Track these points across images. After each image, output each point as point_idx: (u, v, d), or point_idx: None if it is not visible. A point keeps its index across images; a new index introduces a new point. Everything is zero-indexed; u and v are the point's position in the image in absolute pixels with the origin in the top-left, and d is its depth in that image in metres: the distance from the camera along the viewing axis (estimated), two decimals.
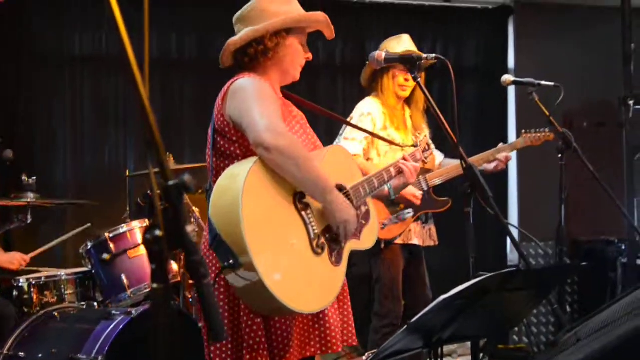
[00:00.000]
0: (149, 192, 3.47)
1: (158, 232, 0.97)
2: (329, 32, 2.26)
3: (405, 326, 1.56)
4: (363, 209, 2.21)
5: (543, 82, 3.33)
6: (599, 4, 4.77)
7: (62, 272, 3.38)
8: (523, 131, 3.55)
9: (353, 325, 2.18)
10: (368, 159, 3.31)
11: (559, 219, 3.29)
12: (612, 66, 4.18)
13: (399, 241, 3.33)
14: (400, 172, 2.37)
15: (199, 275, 0.99)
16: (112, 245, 3.29)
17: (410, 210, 3.24)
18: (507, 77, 3.39)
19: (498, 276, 1.60)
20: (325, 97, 4.72)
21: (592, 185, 3.02)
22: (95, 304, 3.28)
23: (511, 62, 5.13)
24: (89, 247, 3.34)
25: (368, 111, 3.31)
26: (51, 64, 4.42)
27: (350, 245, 2.11)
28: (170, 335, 0.98)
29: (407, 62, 2.32)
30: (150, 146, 1.01)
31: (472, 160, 3.34)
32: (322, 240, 1.99)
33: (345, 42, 4.76)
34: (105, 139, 4.47)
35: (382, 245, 3.30)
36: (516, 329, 4.95)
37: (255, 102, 1.96)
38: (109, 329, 2.78)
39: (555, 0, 4.94)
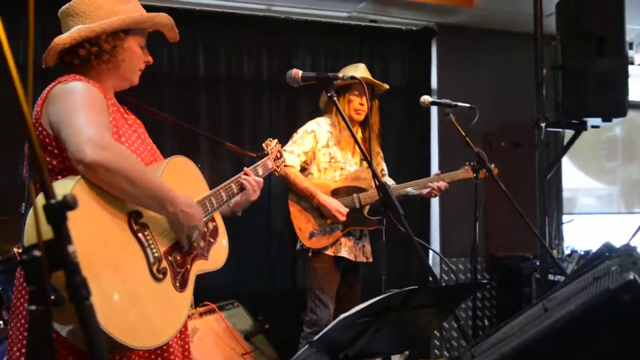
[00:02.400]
0: None
1: (36, 252, 0.95)
2: (173, 35, 2.06)
3: (308, 344, 1.56)
4: (210, 225, 2.02)
5: (460, 104, 3.47)
6: (513, 29, 4.98)
7: None
8: (466, 163, 3.68)
9: None
10: (309, 174, 3.55)
11: (473, 236, 3.40)
12: (527, 89, 4.36)
13: (329, 252, 3.46)
14: (242, 188, 2.18)
15: (80, 296, 0.96)
16: None
17: (339, 224, 3.42)
18: (425, 98, 3.51)
19: (400, 294, 1.63)
20: (252, 112, 4.70)
21: (510, 203, 3.13)
22: (1, 322, 3.13)
23: (434, 83, 5.27)
24: None
25: (312, 129, 3.60)
26: None
27: (198, 267, 1.91)
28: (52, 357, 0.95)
29: (322, 81, 2.36)
30: (32, 163, 0.98)
31: (408, 185, 3.61)
32: (164, 264, 1.77)
33: (271, 58, 4.77)
34: (15, 148, 4.26)
35: (310, 254, 3.45)
36: (437, 342, 5.06)
37: (79, 110, 1.68)
38: None
39: (474, 24, 5.12)
